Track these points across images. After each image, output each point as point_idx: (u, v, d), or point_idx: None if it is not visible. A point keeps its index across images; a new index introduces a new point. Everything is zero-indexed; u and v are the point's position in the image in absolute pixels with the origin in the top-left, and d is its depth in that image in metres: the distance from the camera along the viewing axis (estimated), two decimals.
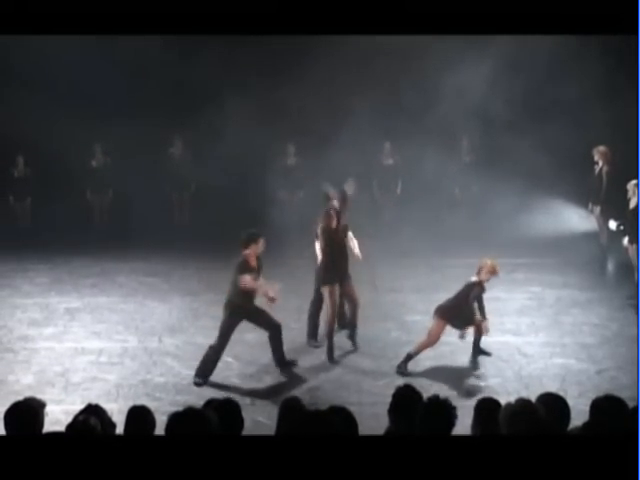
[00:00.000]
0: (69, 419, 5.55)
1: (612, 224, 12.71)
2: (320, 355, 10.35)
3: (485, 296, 11.71)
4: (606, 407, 5.50)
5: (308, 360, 10.22)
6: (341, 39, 14.50)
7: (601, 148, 14.00)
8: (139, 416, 5.71)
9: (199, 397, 8.21)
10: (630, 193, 11.94)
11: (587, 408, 5.57)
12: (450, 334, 10.30)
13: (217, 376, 9.67)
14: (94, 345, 10.67)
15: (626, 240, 12.02)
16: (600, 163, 13.98)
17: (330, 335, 10.27)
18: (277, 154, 16.87)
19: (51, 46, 14.41)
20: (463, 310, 9.75)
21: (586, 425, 5.41)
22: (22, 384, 9.44)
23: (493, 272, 9.91)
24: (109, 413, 5.69)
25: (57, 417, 7.20)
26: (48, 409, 5.77)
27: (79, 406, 5.82)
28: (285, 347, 9.92)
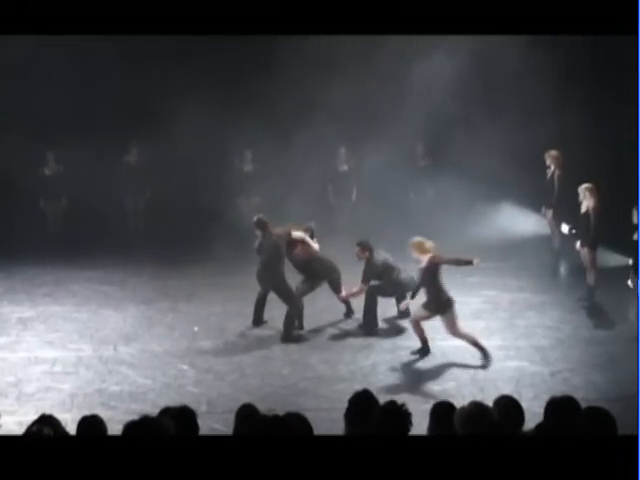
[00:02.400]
0: (23, 430, 5.48)
1: (564, 228, 12.85)
2: (276, 362, 10.36)
3: None
4: (560, 408, 5.56)
5: (264, 366, 10.22)
6: (301, 42, 14.65)
7: (553, 152, 14.13)
8: (90, 426, 5.66)
9: (154, 405, 8.16)
10: (581, 196, 12.08)
11: (541, 410, 5.63)
12: (410, 337, 10.39)
13: (172, 384, 9.63)
14: (48, 354, 10.57)
15: (578, 244, 12.17)
16: (552, 167, 14.11)
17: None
18: (234, 160, 16.83)
19: (1, 52, 14.29)
20: (433, 295, 10.20)
21: (539, 427, 5.46)
22: None
23: (421, 249, 10.28)
24: (63, 423, 5.62)
25: (10, 428, 7.10)
26: (1, 420, 5.71)
27: (33, 417, 5.74)
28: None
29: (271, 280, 11.13)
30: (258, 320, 11.63)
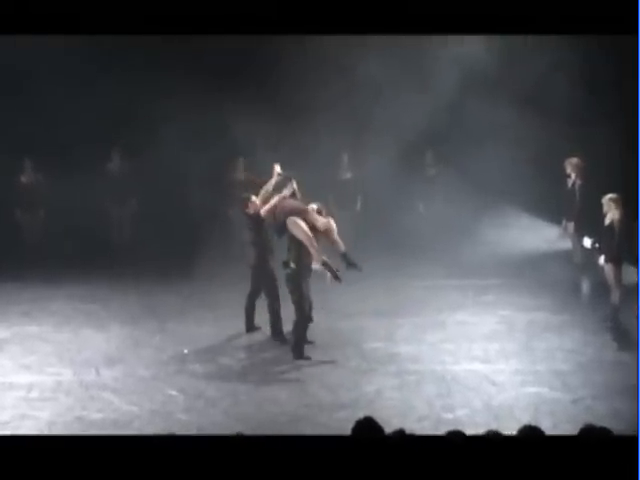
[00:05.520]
0: None
1: (587, 242, 12.84)
2: (272, 388, 10.34)
3: (450, 320, 11.86)
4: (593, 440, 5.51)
5: (260, 392, 10.20)
6: (299, 43, 14.72)
7: (574, 160, 14.14)
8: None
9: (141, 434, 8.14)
10: (605, 208, 12.03)
11: None
12: (417, 360, 10.37)
13: (160, 411, 9.61)
14: (24, 379, 10.54)
15: (602, 258, 12.15)
16: (573, 176, 14.13)
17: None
18: (225, 168, 16.84)
19: None
20: None
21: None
22: None
23: None
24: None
25: None
26: None
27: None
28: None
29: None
30: (250, 326, 11.89)
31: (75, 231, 15.61)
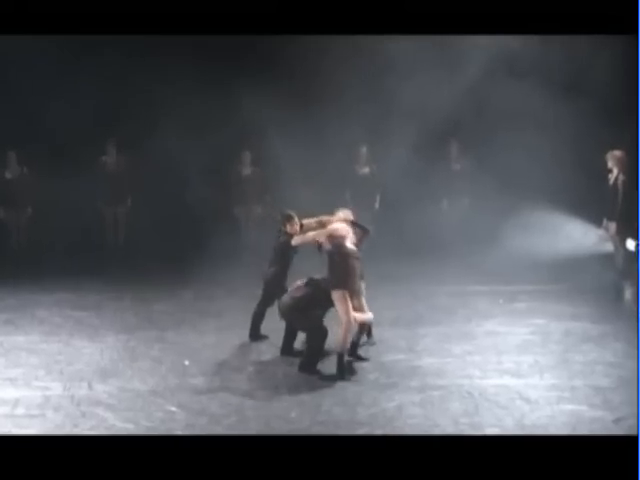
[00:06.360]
0: None
1: (630, 244, 12.81)
2: (282, 403, 10.33)
3: (478, 330, 11.80)
4: None
5: (268, 408, 10.19)
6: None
7: (616, 153, 14.11)
8: None
9: None
10: None
11: None
12: (442, 374, 10.32)
13: (159, 428, 9.60)
14: (9, 394, 10.52)
15: None
16: (615, 171, 14.08)
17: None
18: (230, 163, 16.86)
19: None
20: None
21: None
22: None
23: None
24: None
25: None
26: None
27: None
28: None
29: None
30: (256, 334, 11.95)
31: (65, 231, 15.64)
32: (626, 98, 15.41)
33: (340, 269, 10.69)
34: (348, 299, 10.73)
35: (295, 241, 11.48)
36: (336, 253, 10.75)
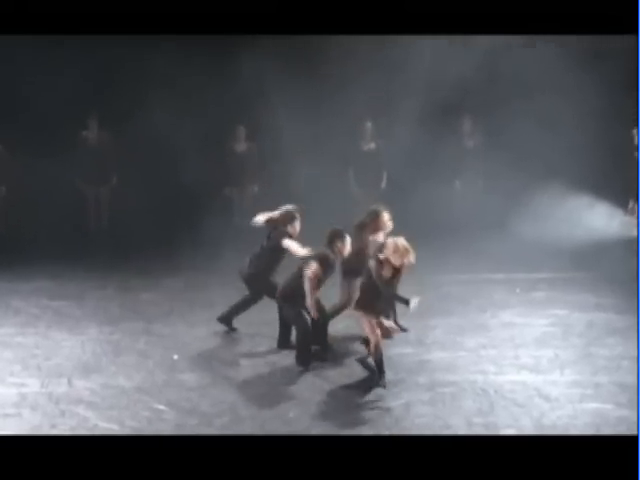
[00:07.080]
0: None
1: None
2: (279, 402, 10.32)
3: (493, 322, 11.79)
4: None
5: (264, 407, 10.19)
6: None
7: None
8: None
9: None
10: None
11: None
12: (453, 370, 10.32)
13: (145, 429, 9.59)
14: None
15: None
16: None
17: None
18: (223, 138, 16.84)
19: None
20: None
21: None
22: None
23: (397, 251, 10.47)
24: None
25: None
26: None
27: None
28: None
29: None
30: (228, 321, 12.03)
31: (44, 212, 15.60)
32: None
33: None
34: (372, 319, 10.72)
35: (286, 244, 11.43)
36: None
